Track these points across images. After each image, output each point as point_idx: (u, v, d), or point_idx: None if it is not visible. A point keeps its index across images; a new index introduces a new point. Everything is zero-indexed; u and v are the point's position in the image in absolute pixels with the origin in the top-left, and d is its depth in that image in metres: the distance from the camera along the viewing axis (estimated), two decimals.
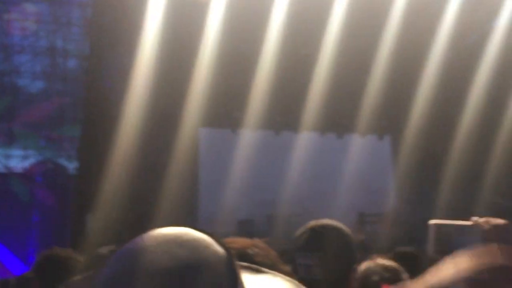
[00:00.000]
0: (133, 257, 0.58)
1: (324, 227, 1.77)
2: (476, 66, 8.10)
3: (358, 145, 9.53)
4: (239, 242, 1.16)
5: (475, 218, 1.27)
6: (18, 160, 8.70)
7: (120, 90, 7.54)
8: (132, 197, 7.99)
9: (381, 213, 10.02)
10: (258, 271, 0.75)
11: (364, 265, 2.30)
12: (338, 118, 9.08)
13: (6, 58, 8.76)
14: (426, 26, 7.89)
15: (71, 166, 8.83)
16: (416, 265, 3.50)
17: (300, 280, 0.78)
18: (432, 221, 1.29)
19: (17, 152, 8.72)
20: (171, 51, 7.35)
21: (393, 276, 2.17)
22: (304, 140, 9.09)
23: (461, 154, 8.22)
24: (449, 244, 1.30)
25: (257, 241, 1.55)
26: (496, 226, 1.22)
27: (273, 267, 0.85)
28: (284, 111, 8.79)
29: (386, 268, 2.20)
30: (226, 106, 8.54)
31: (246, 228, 8.74)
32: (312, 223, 1.81)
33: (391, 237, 9.00)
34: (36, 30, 9.00)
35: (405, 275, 2.24)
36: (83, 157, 8.47)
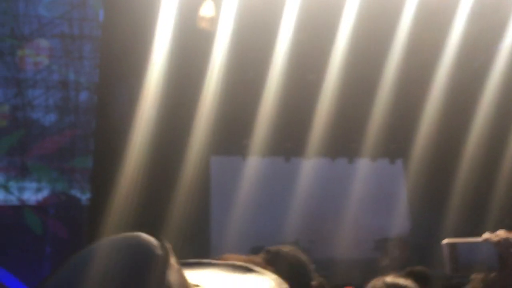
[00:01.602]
0: (70, 265, 0.62)
1: (278, 250, 1.85)
2: (483, 87, 8.08)
3: (370, 169, 9.47)
4: (235, 259, 1.17)
5: (486, 234, 1.28)
6: (32, 192, 8.79)
7: (130, 120, 7.64)
8: (144, 228, 7.99)
9: (397, 237, 9.90)
10: (248, 271, 0.75)
11: (370, 284, 2.28)
12: (348, 143, 9.07)
13: (20, 92, 8.95)
14: (433, 49, 7.91)
15: (84, 197, 8.91)
16: (427, 284, 3.49)
17: None
18: (445, 241, 1.30)
19: (30, 184, 8.83)
20: (179, 81, 7.45)
21: None
22: (315, 166, 9.07)
23: (472, 175, 8.14)
24: (464, 261, 1.30)
25: (254, 257, 1.55)
26: (507, 240, 1.22)
27: None
28: (294, 137, 8.81)
29: (388, 285, 2.17)
30: (236, 133, 8.59)
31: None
32: (269, 248, 1.88)
33: (407, 260, 8.88)
34: (48, 64, 9.21)
35: None
36: (95, 189, 8.54)
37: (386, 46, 7.88)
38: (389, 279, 2.27)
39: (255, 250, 9.29)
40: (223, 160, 9.26)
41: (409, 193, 9.69)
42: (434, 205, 9.08)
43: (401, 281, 2.28)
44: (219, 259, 1.12)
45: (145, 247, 0.61)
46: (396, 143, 9.47)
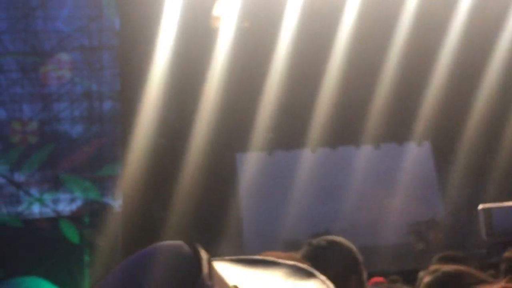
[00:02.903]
0: (113, 274, 0.65)
1: (324, 242, 1.82)
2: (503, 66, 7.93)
3: (397, 153, 9.40)
4: (274, 256, 1.16)
5: None
6: (66, 203, 9.00)
7: (154, 125, 7.75)
8: (177, 230, 8.12)
9: (432, 220, 9.77)
10: (309, 276, 0.73)
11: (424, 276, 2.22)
12: (372, 129, 9.01)
13: (46, 107, 9.17)
14: (440, 33, 7.80)
15: (116, 204, 9.06)
16: None
17: None
18: (480, 206, 1.29)
19: (64, 196, 9.03)
20: (196, 83, 7.53)
21: None
22: (342, 155, 9.04)
23: (504, 155, 8.00)
24: (499, 226, 1.30)
25: (292, 254, 1.57)
26: None
27: None
28: (318, 128, 8.79)
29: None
30: (259, 129, 8.63)
31: (292, 248, 8.66)
32: (314, 240, 1.86)
33: (443, 244, 8.79)
34: (71, 77, 9.40)
35: None
36: (126, 195, 8.70)
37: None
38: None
39: (288, 245, 9.33)
40: (249, 156, 9.30)
41: (439, 174, 9.57)
42: (466, 185, 8.95)
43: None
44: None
45: (190, 262, 0.62)
46: (422, 126, 9.35)
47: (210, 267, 0.62)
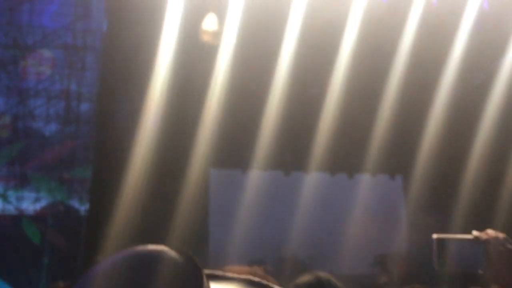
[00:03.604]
0: (92, 277, 0.57)
1: (313, 280, 1.83)
2: (484, 104, 8.10)
3: (370, 185, 9.46)
4: (238, 270, 1.14)
5: (475, 232, 1.29)
6: (30, 202, 8.78)
7: (130, 132, 7.65)
8: (142, 240, 7.96)
9: (398, 254, 9.84)
10: None
11: None
12: (349, 158, 9.07)
13: (21, 102, 8.98)
14: (434, 65, 7.95)
15: (82, 208, 8.89)
16: None
17: None
18: (435, 235, 1.30)
19: (29, 194, 8.82)
20: (180, 94, 7.48)
21: None
22: (315, 181, 9.05)
23: (472, 193, 8.13)
24: (451, 257, 1.31)
25: (256, 268, 1.55)
26: (496, 239, 1.23)
27: None
28: (294, 151, 8.83)
29: None
30: (236, 147, 8.60)
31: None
32: (299, 279, 1.86)
33: (406, 277, 8.84)
34: (51, 74, 9.25)
35: None
36: (94, 199, 8.53)
37: (388, 62, 7.91)
38: None
39: (253, 263, 9.25)
40: (222, 173, 9.25)
41: (408, 209, 9.66)
42: (433, 222, 9.05)
43: None
44: (222, 271, 1.09)
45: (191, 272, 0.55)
46: (396, 159, 9.46)
47: (208, 281, 0.57)
